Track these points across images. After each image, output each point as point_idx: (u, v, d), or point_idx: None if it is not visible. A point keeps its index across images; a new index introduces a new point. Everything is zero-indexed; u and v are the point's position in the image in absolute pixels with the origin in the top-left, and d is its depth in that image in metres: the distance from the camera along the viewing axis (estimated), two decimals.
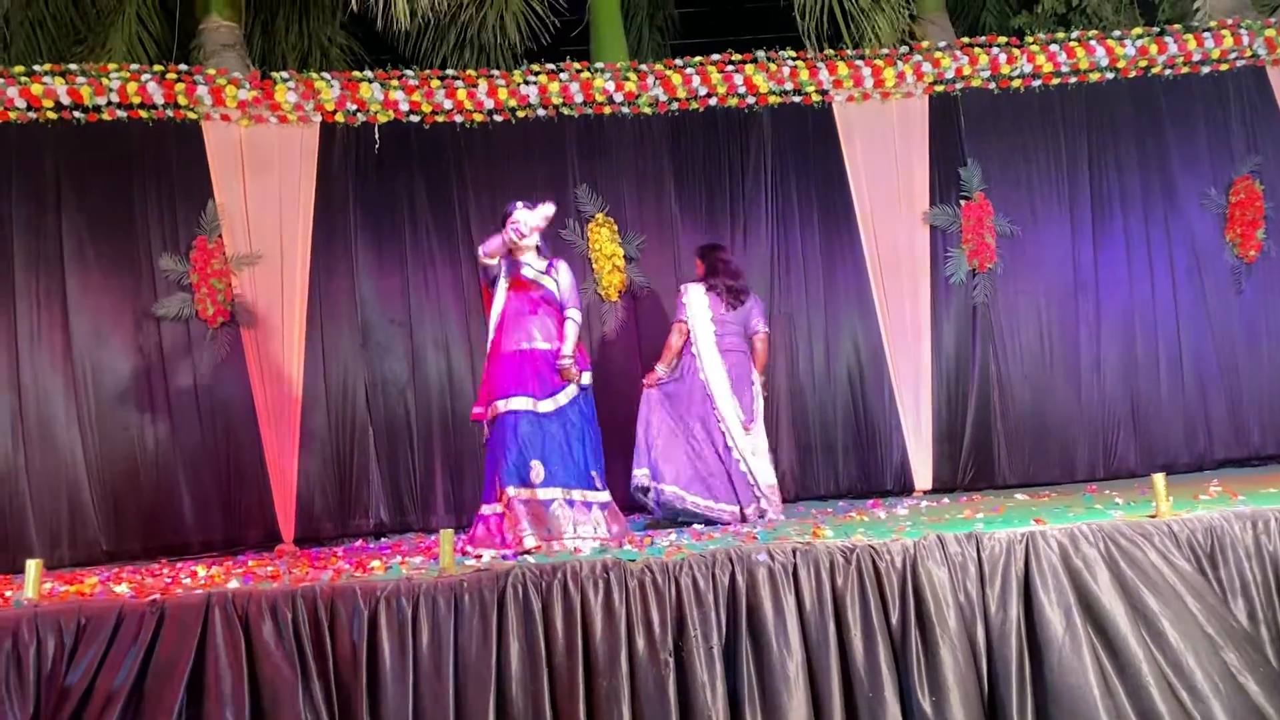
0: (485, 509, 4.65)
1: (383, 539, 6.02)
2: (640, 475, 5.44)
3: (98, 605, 3.41)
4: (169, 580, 4.23)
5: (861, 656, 3.40)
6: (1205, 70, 6.67)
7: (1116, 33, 6.69)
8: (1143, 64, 6.63)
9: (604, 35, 6.99)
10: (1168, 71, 6.67)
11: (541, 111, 6.47)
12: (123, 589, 3.86)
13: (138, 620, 3.29)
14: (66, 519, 5.74)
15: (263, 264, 6.10)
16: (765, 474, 5.51)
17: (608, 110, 6.53)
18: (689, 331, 5.56)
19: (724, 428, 5.45)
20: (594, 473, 4.70)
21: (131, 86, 5.92)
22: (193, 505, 5.92)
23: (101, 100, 5.90)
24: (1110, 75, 6.64)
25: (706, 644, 3.40)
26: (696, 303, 5.61)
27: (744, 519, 5.32)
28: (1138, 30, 6.69)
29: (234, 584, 3.73)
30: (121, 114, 5.96)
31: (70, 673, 3.27)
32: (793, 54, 6.56)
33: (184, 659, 3.26)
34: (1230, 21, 6.65)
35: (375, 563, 4.24)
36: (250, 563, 4.96)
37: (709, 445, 5.45)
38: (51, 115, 5.85)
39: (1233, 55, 6.63)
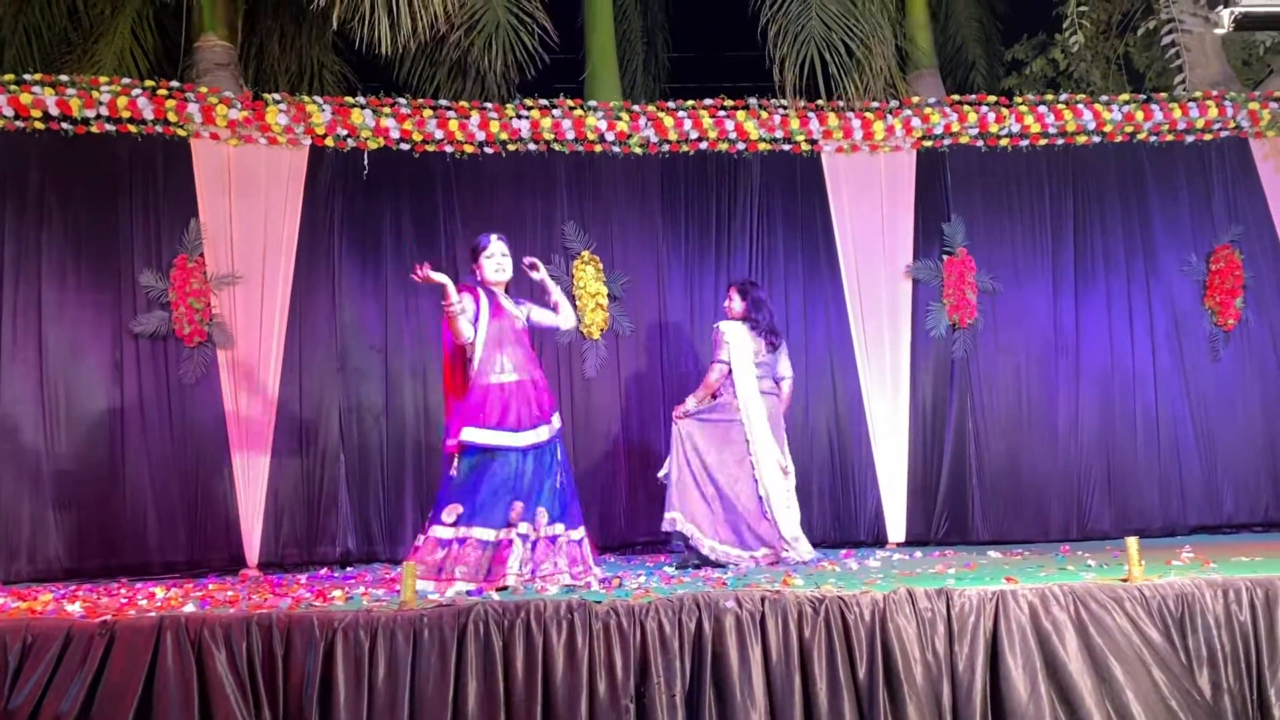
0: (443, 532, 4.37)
1: (348, 568, 5.94)
2: (672, 519, 5.33)
3: (46, 624, 3.32)
4: (124, 601, 4.14)
5: (826, 711, 3.34)
6: (1189, 139, 6.76)
7: (1104, 98, 6.78)
8: (1128, 129, 6.71)
9: (598, 74, 7.04)
10: (1153, 138, 6.75)
11: (533, 146, 6.49)
12: (75, 608, 3.77)
13: (86, 642, 3.21)
14: (27, 533, 5.63)
15: (243, 285, 6.06)
16: (792, 521, 5.38)
17: (599, 148, 6.56)
18: (729, 371, 5.45)
19: (758, 472, 5.34)
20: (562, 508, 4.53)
21: (122, 101, 5.91)
22: (157, 525, 5.84)
23: (91, 113, 5.88)
24: (1096, 139, 6.72)
25: (669, 691, 3.34)
26: (740, 342, 5.47)
27: (776, 561, 5.24)
28: (1125, 96, 6.78)
29: (190, 608, 3.65)
30: (110, 128, 5.94)
31: (14, 694, 3.18)
32: (784, 103, 6.62)
33: (133, 685, 3.18)
34: (1215, 93, 6.76)
35: (337, 592, 4.17)
36: (210, 586, 4.88)
37: (744, 488, 5.34)
38: (39, 125, 5.83)
39: (1216, 126, 6.73)
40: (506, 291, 4.70)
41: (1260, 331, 6.65)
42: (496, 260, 4.60)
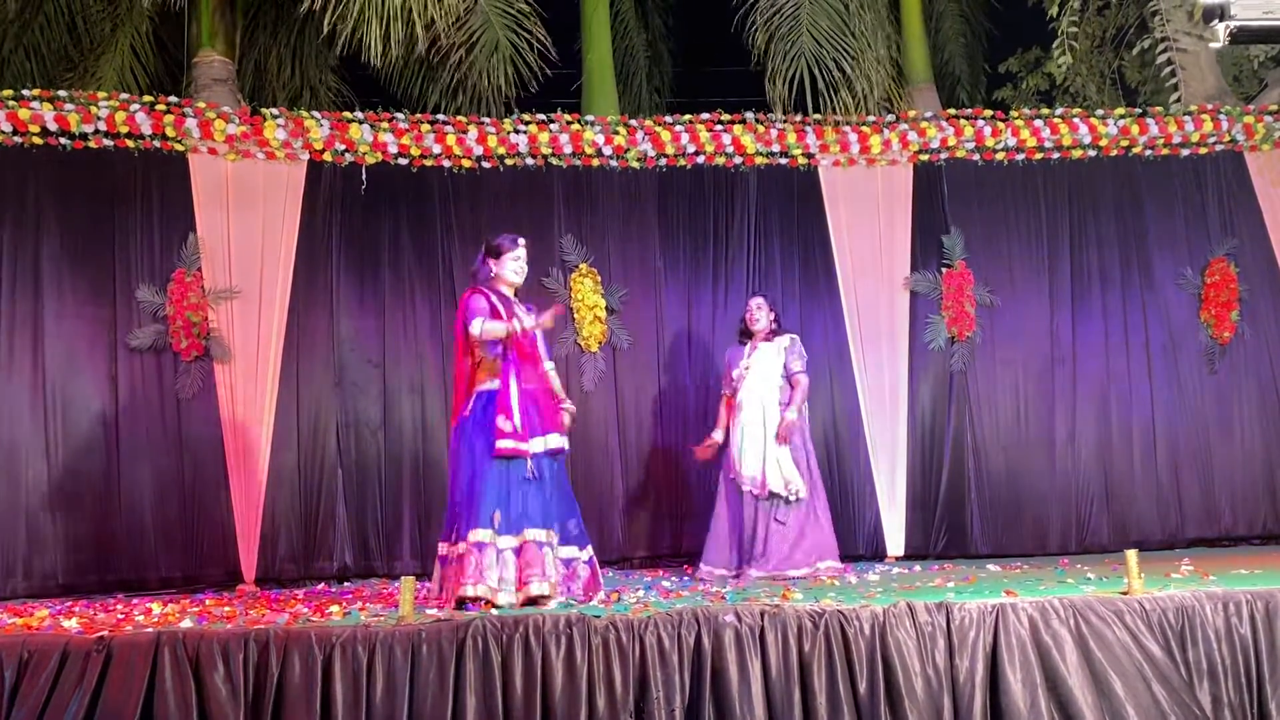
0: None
1: (346, 583, 5.92)
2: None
3: (43, 640, 3.31)
4: (121, 617, 4.13)
5: None
6: (1185, 153, 6.79)
7: (1100, 111, 6.81)
8: (1124, 143, 6.74)
9: (596, 89, 7.06)
10: (1148, 152, 6.78)
11: (530, 160, 6.51)
12: (71, 624, 3.75)
13: (84, 658, 3.19)
14: (24, 548, 5.61)
15: (241, 299, 6.06)
16: None
17: (596, 163, 6.58)
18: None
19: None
20: (570, 522, 4.47)
21: (120, 116, 5.92)
22: (154, 540, 5.82)
23: (89, 128, 5.89)
24: (1092, 153, 6.74)
25: (669, 706, 3.33)
26: None
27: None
28: (1120, 110, 6.81)
29: (187, 623, 3.63)
30: (108, 143, 5.95)
31: (14, 712, 3.16)
32: (780, 117, 6.64)
33: (132, 702, 3.16)
34: (1210, 107, 6.79)
35: (334, 607, 4.15)
36: (207, 602, 4.86)
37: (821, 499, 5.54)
38: (38, 141, 5.83)
39: (1212, 139, 6.76)
40: (515, 296, 4.65)
41: (1256, 345, 6.66)
42: (521, 263, 4.57)
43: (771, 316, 5.68)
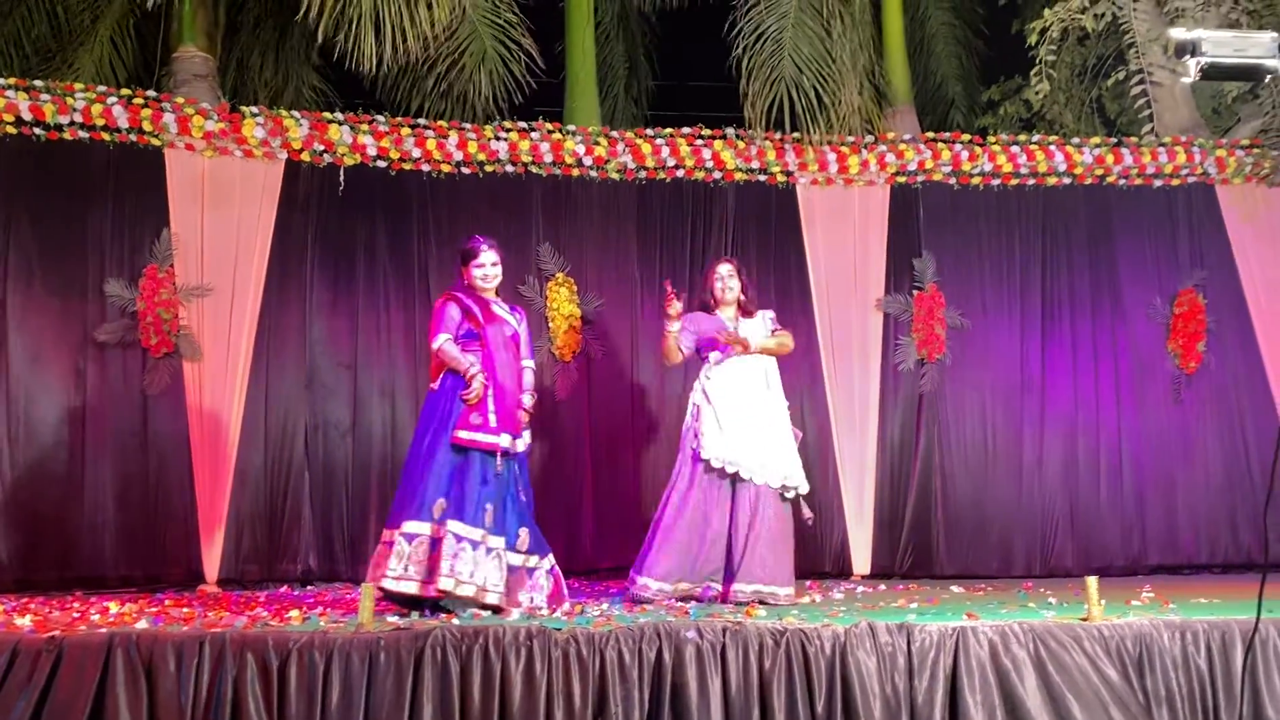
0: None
1: (309, 586, 5.87)
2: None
3: None
4: (76, 615, 4.07)
5: None
6: (1158, 184, 6.87)
7: (1076, 140, 6.89)
8: (1099, 172, 6.82)
9: (578, 99, 7.07)
10: (1122, 181, 6.86)
11: (510, 168, 6.49)
12: (24, 621, 3.70)
13: (33, 658, 3.14)
14: None
15: (213, 297, 6.01)
16: None
17: (576, 173, 6.57)
18: None
19: None
20: (522, 531, 4.46)
21: (96, 108, 5.86)
22: (115, 538, 5.75)
23: (64, 119, 5.82)
24: (1067, 180, 6.82)
25: None
26: None
27: None
28: (1096, 139, 6.90)
29: (143, 624, 3.59)
30: (83, 135, 5.89)
31: None
32: (761, 134, 6.67)
33: (81, 703, 3.11)
34: (1184, 139, 6.89)
35: (294, 612, 4.12)
36: (167, 602, 4.81)
37: None
38: (11, 130, 5.76)
39: (1184, 171, 6.85)
40: (496, 295, 4.66)
41: (1221, 375, 6.74)
42: (486, 270, 4.55)
43: (740, 286, 5.06)
